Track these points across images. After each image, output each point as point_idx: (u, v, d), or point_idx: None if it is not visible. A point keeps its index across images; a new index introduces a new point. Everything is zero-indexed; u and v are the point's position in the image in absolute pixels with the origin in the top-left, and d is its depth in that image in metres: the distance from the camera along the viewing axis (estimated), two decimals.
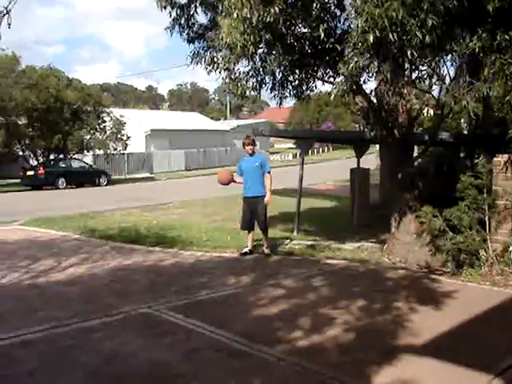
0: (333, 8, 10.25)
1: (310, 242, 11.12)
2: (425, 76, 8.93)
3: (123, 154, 39.97)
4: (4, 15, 3.33)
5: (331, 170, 36.16)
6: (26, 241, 12.00)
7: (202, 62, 12.24)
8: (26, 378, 4.67)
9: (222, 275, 8.42)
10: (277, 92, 11.62)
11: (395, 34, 6.81)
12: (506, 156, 8.64)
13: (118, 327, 5.97)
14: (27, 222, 14.92)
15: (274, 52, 11.33)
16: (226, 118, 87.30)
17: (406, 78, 9.59)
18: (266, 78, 11.96)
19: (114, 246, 10.92)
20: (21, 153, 35.73)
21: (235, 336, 5.53)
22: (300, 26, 10.54)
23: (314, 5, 9.86)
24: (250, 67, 12.02)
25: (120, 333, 5.78)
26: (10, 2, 3.31)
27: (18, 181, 32.97)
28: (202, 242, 10.98)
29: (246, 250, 10.05)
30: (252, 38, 10.11)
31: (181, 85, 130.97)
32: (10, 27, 3.35)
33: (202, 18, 13.03)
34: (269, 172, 10.14)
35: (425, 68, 8.82)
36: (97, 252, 10.41)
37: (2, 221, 15.39)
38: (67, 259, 9.66)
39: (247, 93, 12.09)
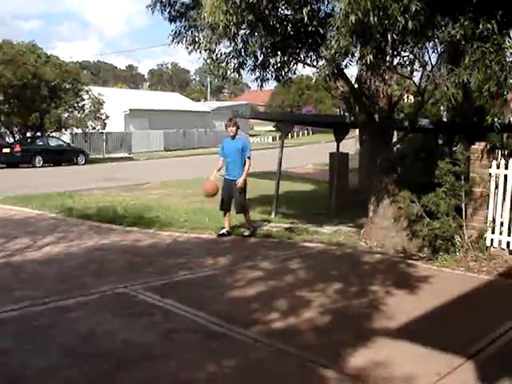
0: None
1: (287, 225, 11.14)
2: (406, 62, 8.96)
3: (102, 133, 39.60)
4: None
5: (311, 153, 36.22)
6: (0, 219, 11.87)
7: (183, 42, 12.13)
8: None
9: (200, 256, 8.42)
10: (258, 74, 11.56)
11: (376, 18, 6.81)
12: (483, 144, 8.73)
13: (94, 307, 5.95)
14: (2, 200, 14.72)
15: (256, 33, 11.25)
16: (206, 100, 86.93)
17: (387, 64, 9.60)
18: (248, 59, 11.89)
19: (91, 226, 10.85)
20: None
21: (212, 317, 5.55)
22: (283, 7, 10.48)
23: None
24: (231, 48, 11.93)
25: (96, 313, 5.76)
26: None
27: None
28: (180, 223, 10.95)
29: (223, 231, 10.08)
30: (234, 18, 10.03)
31: (161, 65, 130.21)
32: None
33: None
34: (249, 158, 10.14)
35: (406, 54, 8.84)
36: (73, 231, 10.33)
37: None
38: (43, 238, 9.57)
39: (228, 74, 12.02)
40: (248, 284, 6.90)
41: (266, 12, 10.13)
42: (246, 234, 10.11)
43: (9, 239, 9.45)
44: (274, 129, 70.31)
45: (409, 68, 9.28)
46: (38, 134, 34.39)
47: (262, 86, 11.59)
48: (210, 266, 7.84)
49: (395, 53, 9.20)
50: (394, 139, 12.01)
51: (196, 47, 11.93)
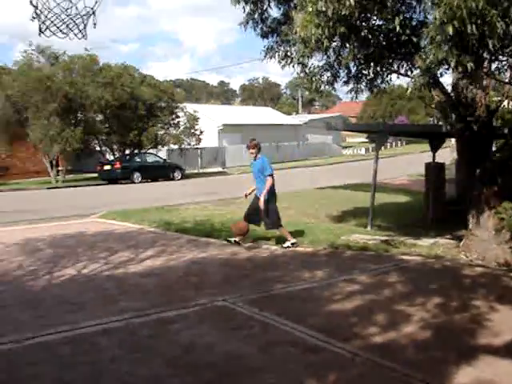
0: None
1: (384, 238, 10.98)
2: (505, 67, 8.67)
3: (196, 148, 40.53)
4: (90, 16, 3.45)
5: (405, 164, 35.56)
6: (103, 233, 12.39)
7: (276, 57, 12.26)
8: (108, 364, 4.84)
9: (296, 269, 8.44)
10: (351, 86, 11.50)
11: (475, 26, 6.63)
12: None
13: (195, 319, 6.09)
14: (105, 215, 15.38)
15: (348, 45, 11.23)
16: (297, 113, 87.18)
17: (485, 70, 9.33)
18: (341, 71, 11.86)
19: (189, 240, 11.11)
20: (98, 148, 36.90)
21: (311, 331, 5.54)
22: (375, 18, 10.40)
23: None
24: (324, 61, 11.94)
25: (197, 324, 5.89)
26: (95, 4, 3.44)
27: (95, 175, 34.11)
28: (275, 236, 11.01)
29: (233, 239, 10.39)
30: (326, 31, 10.06)
31: (252, 79, 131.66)
32: (95, 27, 3.47)
33: (274, 12, 13.04)
34: (270, 175, 10.26)
35: (505, 58, 8.56)
36: (172, 245, 10.63)
37: (80, 213, 15.98)
38: (144, 251, 9.91)
39: (321, 87, 12.04)
40: (346, 297, 6.85)
41: (358, 23, 10.10)
42: (285, 245, 10.16)
43: (112, 253, 9.84)
44: (366, 140, 69.59)
45: (508, 73, 8.99)
46: (136, 151, 35.69)
47: (356, 97, 11.53)
48: (307, 280, 7.84)
49: (493, 58, 8.94)
50: (493, 148, 11.62)
51: (288, 62, 12.03)
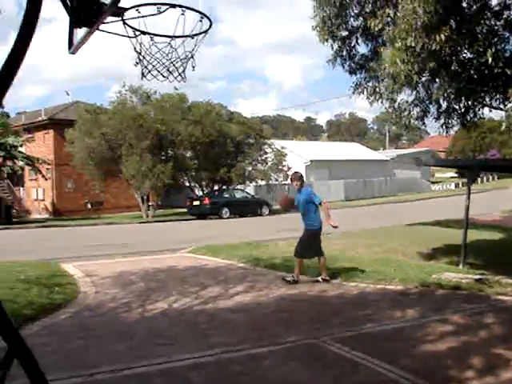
0: (501, 30, 9.89)
1: (477, 276, 10.58)
2: None
3: (284, 184, 40.79)
4: (189, 59, 3.61)
5: (497, 199, 34.40)
6: (194, 268, 12.61)
7: (364, 93, 12.28)
8: None
9: (387, 308, 8.27)
10: (442, 121, 11.34)
11: None
12: None
13: (285, 356, 6.07)
14: (194, 250, 15.67)
15: (438, 80, 11.10)
16: (384, 148, 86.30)
17: None
18: (431, 106, 11.73)
19: (278, 276, 11.12)
20: (187, 184, 37.83)
21: (404, 372, 5.39)
22: (465, 51, 10.27)
23: (481, 28, 9.58)
24: (413, 96, 11.85)
25: (287, 362, 5.86)
26: (194, 48, 3.59)
27: (184, 210, 34.91)
28: (365, 274, 10.85)
29: (289, 278, 10.32)
30: (416, 66, 10.01)
31: (339, 115, 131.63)
32: (194, 69, 3.63)
33: (362, 48, 13.13)
34: (320, 203, 10.26)
35: None
36: (262, 281, 10.68)
37: (171, 248, 16.36)
38: (234, 287, 10.01)
39: (411, 122, 11.93)
40: (439, 338, 6.63)
41: (448, 58, 9.98)
42: (320, 279, 10.20)
43: (202, 287, 10.00)
44: (456, 175, 67.82)
45: None
46: (225, 187, 36.32)
47: (447, 132, 11.34)
48: (399, 319, 7.66)
49: None
50: None
51: (377, 97, 12.01)
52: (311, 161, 50.06)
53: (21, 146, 35.29)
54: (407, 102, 11.74)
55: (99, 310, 8.51)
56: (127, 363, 5.81)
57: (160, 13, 3.34)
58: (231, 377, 5.45)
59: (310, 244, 10.33)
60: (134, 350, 6.34)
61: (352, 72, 12.78)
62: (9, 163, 34.58)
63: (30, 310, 8.09)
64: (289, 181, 37.75)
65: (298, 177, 10.63)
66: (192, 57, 3.60)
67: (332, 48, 12.47)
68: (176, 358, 5.98)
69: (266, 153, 38.07)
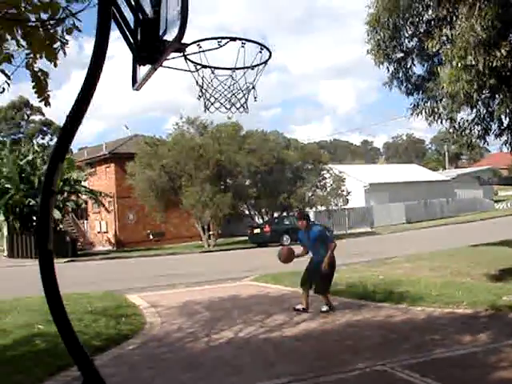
0: None
1: None
2: None
3: (344, 209, 40.46)
4: (250, 90, 3.67)
5: None
6: (258, 296, 12.60)
7: (422, 114, 12.15)
8: None
9: (456, 332, 8.03)
10: (504, 138, 11.10)
11: None
12: None
13: None
14: (257, 278, 15.68)
15: (498, 96, 10.90)
16: (444, 168, 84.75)
17: None
18: (492, 124, 11.50)
19: (342, 302, 10.99)
20: (247, 212, 38.01)
21: None
22: None
23: None
24: (473, 114, 11.65)
25: None
26: (255, 79, 3.64)
27: (245, 238, 35.03)
28: (431, 297, 10.59)
29: (299, 306, 10.21)
30: (475, 84, 9.85)
31: (396, 137, 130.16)
32: (255, 100, 3.68)
33: (418, 69, 13.01)
34: (332, 242, 10.14)
35: None
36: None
37: (233, 277, 16.42)
38: (298, 314, 9.95)
39: (472, 141, 11.72)
40: None
41: (509, 73, 9.80)
42: (324, 309, 10.00)
43: (267, 315, 9.97)
44: None
45: None
46: (285, 213, 36.31)
47: (510, 149, 11.09)
48: (469, 344, 7.42)
49: None
50: None
51: (436, 117, 11.86)
52: (370, 184, 49.56)
53: (84, 180, 36.30)
54: (467, 120, 11.56)
55: (166, 340, 8.59)
56: None
57: (220, 46, 3.41)
58: None
59: (329, 277, 10.24)
60: (201, 380, 6.36)
61: (409, 93, 12.69)
62: (73, 197, 35.55)
63: (98, 340, 8.26)
64: (347, 205, 36.93)
65: (303, 216, 10.65)
66: (253, 87, 3.65)
67: (388, 70, 12.44)
68: None
69: (324, 178, 37.94)
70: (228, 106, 3.70)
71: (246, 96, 3.71)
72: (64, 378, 6.45)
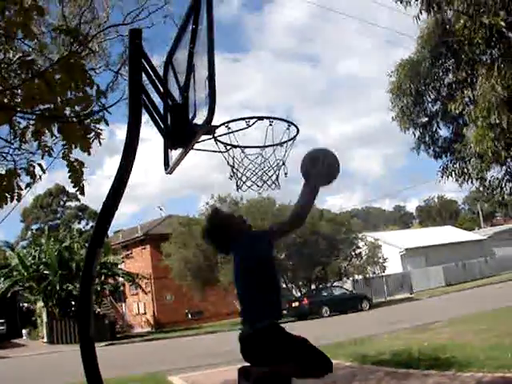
0: None
1: None
2: None
3: (381, 276, 39.95)
4: (281, 166, 3.78)
5: None
6: None
7: (452, 175, 12.17)
8: None
9: None
10: None
11: None
12: None
13: None
14: None
15: None
16: (480, 227, 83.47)
17: None
18: None
19: (387, 372, 10.70)
20: (284, 285, 37.72)
21: None
22: None
23: None
24: (503, 172, 11.65)
25: None
26: (285, 155, 3.76)
27: (284, 312, 34.62)
28: (479, 362, 10.23)
29: None
30: (502, 142, 9.90)
31: (427, 200, 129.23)
32: (286, 176, 3.78)
33: (444, 131, 13.12)
34: None
35: None
36: (371, 378, 10.30)
37: None
38: None
39: (504, 198, 11.67)
40: None
41: None
42: None
43: None
44: None
45: None
46: (321, 285, 35.98)
47: None
48: None
49: None
50: None
51: (466, 178, 11.88)
52: (406, 249, 48.99)
53: (120, 263, 36.63)
54: (497, 178, 11.54)
55: None
56: None
57: (249, 126, 3.54)
58: None
59: None
60: None
61: (437, 156, 12.77)
62: (110, 280, 35.80)
63: None
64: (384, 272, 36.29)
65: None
66: (283, 163, 3.76)
67: (414, 135, 12.59)
68: None
69: (358, 247, 37.72)
70: (260, 184, 3.79)
71: (276, 173, 3.81)
72: None
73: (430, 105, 12.46)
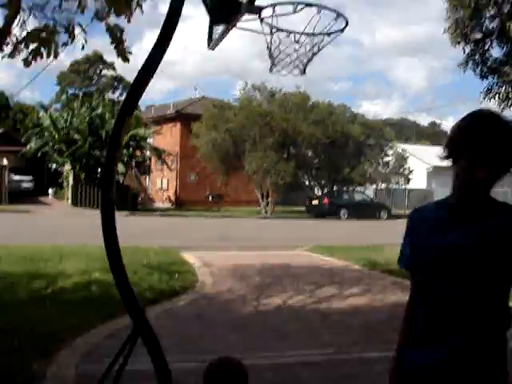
0: None
1: None
2: None
3: (404, 189, 39.92)
4: (316, 54, 3.66)
5: None
6: (309, 266, 12.66)
7: (495, 98, 11.81)
8: None
9: None
10: None
11: None
12: None
13: None
14: (311, 248, 15.73)
15: None
16: None
17: None
18: None
19: (394, 281, 10.91)
20: (307, 183, 37.96)
21: None
22: None
23: None
24: None
25: None
26: (321, 43, 3.64)
27: (302, 209, 35.06)
28: None
29: None
30: None
31: None
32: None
33: (496, 52, 12.59)
34: None
35: None
36: (377, 285, 10.54)
37: (287, 245, 16.52)
38: (348, 289, 9.96)
39: None
40: None
41: None
42: None
43: (317, 286, 10.03)
44: None
45: None
46: (344, 188, 36.12)
47: None
48: None
49: None
50: None
51: (509, 104, 11.52)
52: (434, 167, 48.58)
53: (150, 137, 36.93)
54: None
55: (215, 300, 8.79)
56: (240, 354, 5.94)
57: (295, 12, 3.40)
58: (341, 378, 5.44)
59: None
60: (247, 342, 6.48)
61: (483, 76, 12.32)
62: (137, 153, 36.25)
63: (151, 293, 8.50)
64: (408, 186, 36.11)
65: None
66: (319, 49, 3.65)
67: (464, 51, 12.09)
68: (287, 354, 6.06)
69: (387, 155, 37.47)
70: (290, 68, 3.73)
71: (307, 60, 3.72)
72: (115, 326, 6.68)
73: (487, 21, 11.88)
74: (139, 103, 34.84)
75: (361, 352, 6.25)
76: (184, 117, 40.53)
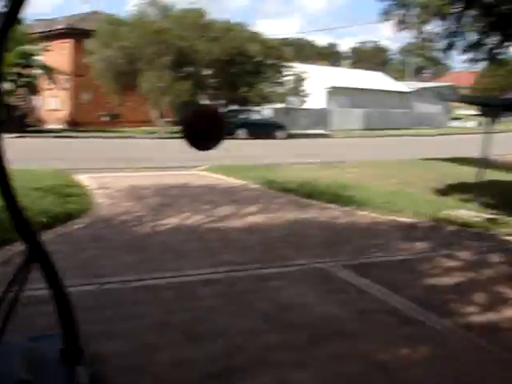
0: None
1: (489, 216, 10.57)
2: None
3: (301, 109, 40.38)
4: None
5: None
6: (207, 186, 12.72)
7: (392, 20, 11.99)
8: (206, 313, 5.02)
9: (396, 239, 8.33)
10: (469, 55, 11.11)
11: None
12: None
13: (293, 278, 6.18)
14: (209, 168, 15.75)
15: (469, 12, 10.82)
16: (406, 80, 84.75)
17: None
18: (459, 39, 11.47)
19: (291, 200, 11.18)
20: (205, 102, 37.59)
21: (407, 301, 5.48)
22: None
23: None
24: (441, 28, 11.57)
25: (294, 284, 5.99)
26: None
27: None
28: (377, 204, 10.82)
29: None
30: None
31: (362, 42, 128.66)
32: None
33: None
34: None
35: None
36: (275, 203, 10.76)
37: (185, 165, 16.38)
38: (246, 207, 10.12)
39: (436, 54, 11.69)
40: (444, 273, 6.70)
41: None
42: None
43: (215, 206, 10.12)
44: (476, 113, 66.48)
45: None
46: (242, 107, 36.05)
47: (475, 66, 11.13)
48: (406, 251, 7.71)
49: None
50: None
51: (404, 26, 11.73)
52: (333, 87, 49.28)
53: (38, 54, 34.93)
54: (434, 33, 11.48)
55: (112, 222, 8.68)
56: (138, 275, 5.96)
57: None
58: (239, 294, 5.58)
59: None
60: (145, 263, 6.49)
61: None
62: (25, 71, 34.21)
63: (44, 217, 8.17)
64: (306, 105, 36.57)
65: None
66: None
67: None
68: (186, 273, 6.13)
69: (285, 76, 37.52)
70: None
71: None
72: (7, 252, 6.46)
73: None
74: (26, 17, 32.59)
75: (259, 269, 6.41)
76: (76, 33, 38.70)
